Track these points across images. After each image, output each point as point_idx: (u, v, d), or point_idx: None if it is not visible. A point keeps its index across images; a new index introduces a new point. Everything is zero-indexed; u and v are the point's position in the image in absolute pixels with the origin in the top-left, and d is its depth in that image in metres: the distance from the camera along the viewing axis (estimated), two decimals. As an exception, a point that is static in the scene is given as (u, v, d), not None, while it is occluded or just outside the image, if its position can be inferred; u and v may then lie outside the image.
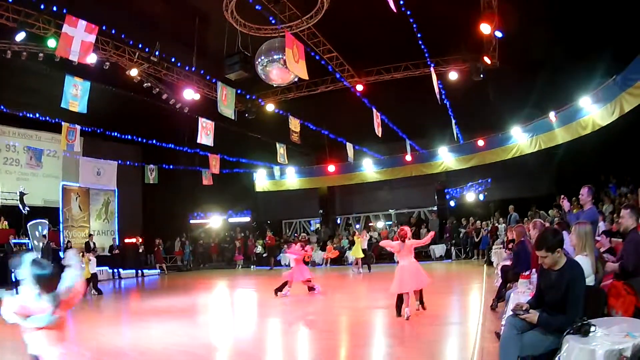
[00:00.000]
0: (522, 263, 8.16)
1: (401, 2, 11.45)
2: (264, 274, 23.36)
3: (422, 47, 15.36)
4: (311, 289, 13.70)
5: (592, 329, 3.91)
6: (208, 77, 18.96)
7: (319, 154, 28.48)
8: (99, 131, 20.46)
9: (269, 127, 22.11)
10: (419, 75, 19.08)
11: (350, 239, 25.05)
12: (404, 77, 19.75)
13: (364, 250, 20.45)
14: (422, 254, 22.06)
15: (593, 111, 17.62)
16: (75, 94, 14.19)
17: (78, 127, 18.11)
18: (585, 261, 5.10)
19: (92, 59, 13.45)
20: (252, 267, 26.94)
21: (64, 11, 12.24)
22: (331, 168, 27.74)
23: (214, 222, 31.30)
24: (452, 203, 27.05)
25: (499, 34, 14.94)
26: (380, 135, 18.78)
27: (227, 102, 15.95)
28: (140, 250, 24.57)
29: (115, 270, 22.69)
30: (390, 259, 22.42)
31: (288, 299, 13.21)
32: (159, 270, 25.59)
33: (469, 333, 7.72)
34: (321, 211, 30.97)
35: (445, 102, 18.44)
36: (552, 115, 19.56)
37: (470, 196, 26.16)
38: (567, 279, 4.45)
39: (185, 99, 19.27)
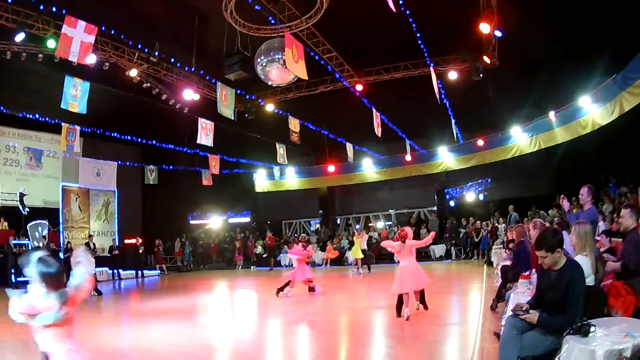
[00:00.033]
0: (522, 263, 8.15)
1: (400, 2, 11.45)
2: (264, 274, 23.35)
3: (422, 46, 15.36)
4: (311, 289, 13.73)
5: (592, 329, 3.91)
6: (208, 78, 18.96)
7: (318, 154, 28.49)
8: (98, 132, 20.49)
9: (268, 128, 22.11)
10: (419, 75, 19.07)
11: (350, 239, 25.06)
12: (404, 76, 19.73)
13: (363, 251, 20.42)
14: (422, 254, 22.06)
15: (593, 110, 17.61)
16: (75, 95, 14.19)
17: (78, 127, 18.10)
18: (585, 261, 5.10)
19: (91, 59, 13.44)
20: (252, 267, 26.93)
21: (64, 12, 12.26)
22: (331, 168, 27.74)
23: (213, 222, 31.29)
24: (452, 203, 27.06)
25: (498, 34, 14.93)
26: (379, 135, 18.78)
27: (226, 103, 15.95)
28: (140, 251, 24.56)
29: (115, 271, 22.67)
30: (390, 259, 22.45)
31: (288, 299, 13.21)
32: (158, 271, 25.57)
33: (469, 333, 7.71)
34: (321, 211, 30.98)
35: (444, 101, 18.45)
36: (551, 114, 19.56)
37: (470, 196, 26.17)
38: (567, 279, 4.45)
39: (184, 100, 19.26)
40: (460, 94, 18.71)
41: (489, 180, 25.48)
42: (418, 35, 14.46)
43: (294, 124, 19.77)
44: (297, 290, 13.73)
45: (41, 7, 13.57)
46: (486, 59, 17.10)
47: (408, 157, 24.86)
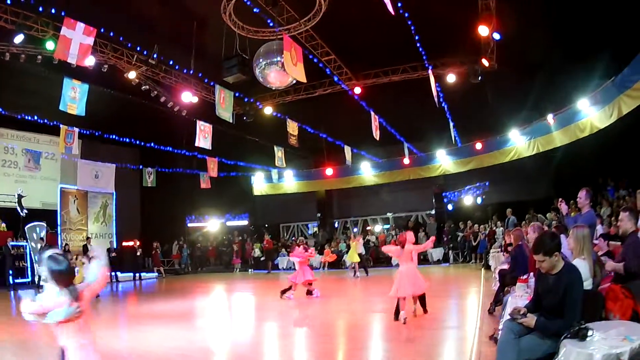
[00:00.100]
0: (519, 267, 8.16)
1: (399, 5, 11.43)
2: (262, 277, 23.33)
3: (420, 49, 15.33)
4: (309, 292, 13.73)
5: (590, 332, 3.91)
6: (206, 80, 18.91)
7: (317, 157, 28.48)
8: (97, 134, 20.53)
9: (267, 130, 22.10)
10: (417, 78, 19.08)
11: (347, 242, 25.04)
12: (402, 79, 19.75)
13: (360, 255, 20.43)
14: (420, 258, 21.79)
15: (591, 113, 17.60)
16: (74, 97, 14.18)
17: (76, 129, 18.09)
18: (583, 265, 5.10)
19: (90, 61, 13.45)
20: (249, 270, 26.93)
21: (63, 13, 12.25)
22: (329, 171, 27.74)
23: (211, 225, 31.26)
24: (449, 206, 27.03)
25: (497, 36, 14.92)
26: (378, 139, 18.75)
27: (225, 105, 15.93)
28: (138, 254, 24.51)
29: (113, 273, 22.61)
30: (388, 262, 22.41)
31: (286, 302, 13.21)
32: (156, 274, 25.54)
33: (466, 337, 7.70)
34: (319, 215, 30.90)
35: (443, 104, 18.41)
36: (550, 117, 19.57)
37: (468, 199, 26.17)
38: (564, 283, 4.44)
39: (183, 102, 19.27)
40: (459, 97, 18.69)
41: (487, 183, 25.49)
42: (416, 38, 14.43)
43: (292, 127, 19.77)
44: (296, 293, 13.71)
45: (40, 9, 13.58)
46: (485, 62, 17.11)
47: (406, 161, 24.88)
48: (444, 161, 24.70)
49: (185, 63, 17.73)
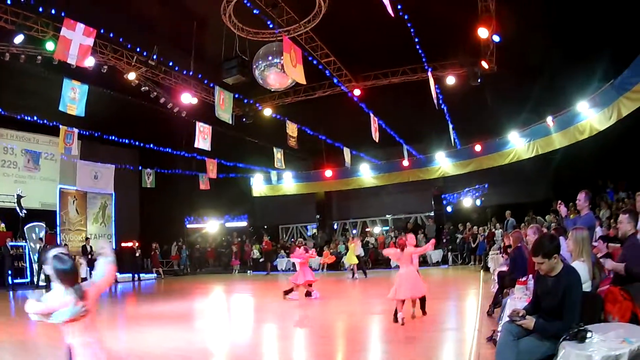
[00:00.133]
0: (518, 269, 8.15)
1: (399, 7, 11.44)
2: (261, 279, 23.32)
3: (420, 51, 15.35)
4: (308, 294, 13.76)
5: (589, 334, 3.91)
6: (206, 82, 18.95)
7: (316, 158, 28.48)
8: (96, 134, 20.53)
9: (266, 132, 22.12)
10: (417, 80, 19.09)
11: (346, 244, 25.04)
12: (402, 81, 19.74)
13: (358, 257, 20.43)
14: (419, 259, 21.99)
15: (590, 116, 17.65)
16: (73, 97, 14.21)
17: (76, 130, 18.11)
18: (582, 267, 5.10)
19: (90, 62, 13.48)
20: (248, 272, 26.94)
21: (63, 14, 12.28)
22: (328, 173, 27.75)
23: (210, 226, 31.25)
24: (449, 208, 27.07)
25: (496, 39, 14.93)
26: (377, 140, 18.79)
27: (224, 107, 15.96)
28: (137, 254, 24.50)
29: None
30: (387, 264, 22.45)
31: (285, 303, 13.23)
32: (155, 275, 25.54)
33: (465, 339, 7.69)
34: (318, 216, 30.90)
35: (442, 107, 18.43)
36: (549, 120, 19.61)
37: (467, 201, 26.20)
38: (563, 285, 4.44)
39: (182, 103, 19.29)
40: (458, 99, 18.72)
41: (486, 185, 25.51)
42: (416, 40, 14.45)
43: (292, 129, 19.79)
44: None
45: (40, 9, 13.59)
46: (484, 64, 17.12)
47: (405, 163, 24.93)
48: (443, 163, 24.74)
49: (185, 64, 17.73)
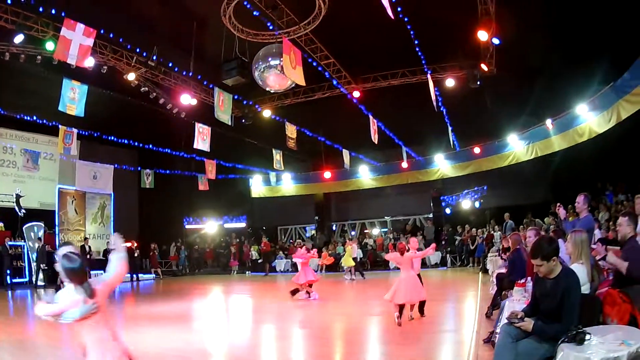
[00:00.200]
0: (517, 271, 8.16)
1: (399, 9, 11.46)
2: (259, 279, 23.30)
3: (419, 53, 15.38)
4: (307, 294, 13.77)
5: (587, 337, 3.91)
6: (205, 83, 18.96)
7: (315, 160, 28.48)
8: (95, 135, 20.53)
9: (265, 133, 22.13)
10: (416, 82, 19.12)
11: (344, 246, 25.06)
12: (401, 83, 19.77)
13: (354, 259, 20.45)
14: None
15: (590, 118, 17.67)
16: (73, 97, 14.20)
17: (75, 130, 18.11)
18: (581, 269, 5.10)
19: (89, 62, 13.48)
20: (247, 272, 26.90)
21: (63, 14, 12.30)
22: (327, 174, 27.76)
23: (209, 227, 31.21)
24: (447, 210, 27.08)
25: (496, 41, 14.96)
26: (376, 142, 18.82)
27: (224, 108, 15.96)
28: (136, 255, 24.39)
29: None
30: (386, 266, 22.47)
31: (284, 304, 13.26)
32: (154, 275, 25.49)
33: (463, 341, 7.70)
34: (317, 217, 30.88)
35: (441, 109, 18.44)
36: (548, 122, 19.62)
37: (466, 203, 26.20)
38: (562, 287, 4.44)
39: (182, 104, 19.28)
40: (458, 101, 18.75)
41: (485, 187, 25.50)
42: (416, 42, 14.48)
43: (291, 130, 19.80)
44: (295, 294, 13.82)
45: (40, 9, 13.60)
46: (484, 67, 17.15)
47: (404, 164, 24.91)
48: (442, 165, 24.76)
49: (185, 65, 17.73)
